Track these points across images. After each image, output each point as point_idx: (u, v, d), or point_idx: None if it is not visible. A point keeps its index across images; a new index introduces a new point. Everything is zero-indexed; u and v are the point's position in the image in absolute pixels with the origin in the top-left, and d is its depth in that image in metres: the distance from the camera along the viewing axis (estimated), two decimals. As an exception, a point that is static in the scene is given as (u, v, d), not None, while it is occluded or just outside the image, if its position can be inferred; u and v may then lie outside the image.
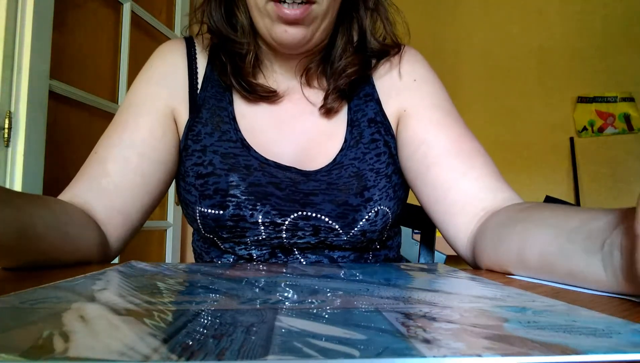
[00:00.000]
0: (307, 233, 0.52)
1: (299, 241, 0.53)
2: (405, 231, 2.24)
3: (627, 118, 2.38)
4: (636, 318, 0.22)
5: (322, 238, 0.52)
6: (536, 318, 0.21)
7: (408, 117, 0.57)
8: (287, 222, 0.52)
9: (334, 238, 0.52)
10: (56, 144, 1.15)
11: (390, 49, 0.59)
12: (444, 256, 2.05)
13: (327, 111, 0.57)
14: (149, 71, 0.59)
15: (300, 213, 0.52)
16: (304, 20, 0.50)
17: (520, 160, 2.44)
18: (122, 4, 1.43)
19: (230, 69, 0.56)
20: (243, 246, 0.54)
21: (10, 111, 1.02)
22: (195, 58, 0.60)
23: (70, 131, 1.23)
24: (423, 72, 0.60)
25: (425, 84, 0.59)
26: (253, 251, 0.54)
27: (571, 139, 2.41)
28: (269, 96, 0.58)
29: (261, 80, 0.60)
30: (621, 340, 0.17)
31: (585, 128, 2.42)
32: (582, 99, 2.43)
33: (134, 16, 1.48)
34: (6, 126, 1.01)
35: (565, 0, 2.47)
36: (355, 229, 0.52)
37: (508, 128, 2.46)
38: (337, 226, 0.52)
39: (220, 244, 0.55)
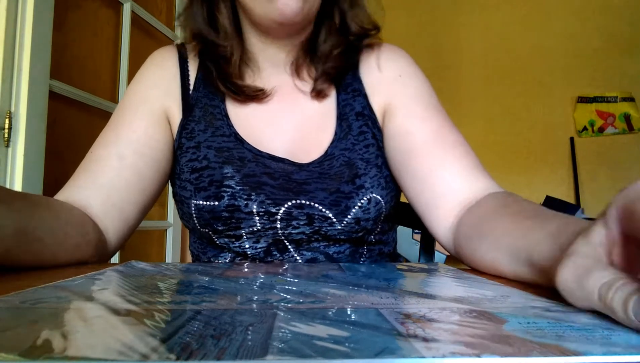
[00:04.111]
0: (302, 223, 0.53)
1: (293, 231, 0.53)
2: (405, 231, 2.24)
3: (627, 118, 2.38)
4: (636, 318, 0.22)
5: (317, 228, 0.53)
6: (536, 319, 0.21)
7: (393, 110, 0.58)
8: (281, 211, 0.52)
9: (329, 228, 0.53)
10: (56, 144, 1.15)
11: (369, 32, 0.60)
12: (444, 256, 2.05)
13: (317, 93, 0.59)
14: (143, 75, 0.61)
15: (294, 201, 0.52)
16: None
17: (520, 160, 2.44)
18: (122, 4, 1.43)
19: (216, 73, 0.58)
20: (238, 243, 0.54)
21: (10, 111, 1.02)
22: (187, 62, 0.62)
23: (70, 131, 1.23)
24: (408, 68, 0.62)
25: (409, 79, 0.60)
26: (248, 250, 0.54)
27: (571, 139, 2.42)
28: (258, 95, 0.59)
29: (249, 80, 0.61)
30: (621, 340, 0.17)
31: (585, 128, 2.42)
32: (582, 99, 2.43)
33: (134, 16, 1.48)
34: (6, 126, 1.01)
35: (566, 0, 2.48)
36: (349, 217, 0.53)
37: (508, 128, 2.46)
38: (330, 214, 0.52)
39: (215, 239, 0.55)
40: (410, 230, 2.11)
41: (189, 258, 0.65)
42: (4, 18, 1.00)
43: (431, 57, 2.53)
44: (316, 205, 0.52)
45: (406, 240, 2.10)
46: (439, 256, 2.03)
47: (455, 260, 0.60)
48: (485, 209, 0.46)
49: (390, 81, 0.60)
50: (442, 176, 0.52)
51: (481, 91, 2.51)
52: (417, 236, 2.10)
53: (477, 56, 2.53)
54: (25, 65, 1.03)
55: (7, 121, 1.01)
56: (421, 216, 0.55)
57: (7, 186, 1.02)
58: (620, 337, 0.18)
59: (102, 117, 1.33)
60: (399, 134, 0.57)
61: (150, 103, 0.58)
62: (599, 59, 2.40)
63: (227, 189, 0.52)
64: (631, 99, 2.38)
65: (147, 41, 1.59)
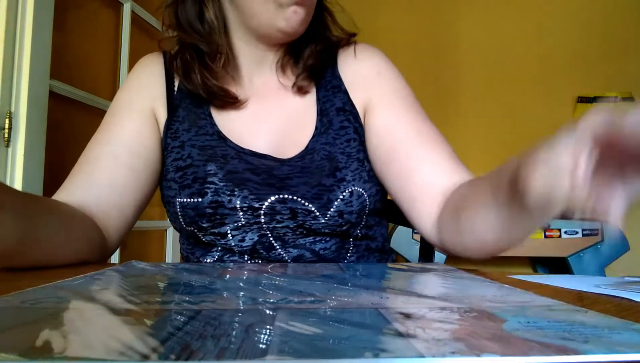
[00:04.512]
0: (285, 217, 0.53)
1: (277, 225, 0.53)
2: (405, 231, 2.24)
3: (627, 118, 2.38)
4: (636, 318, 0.22)
5: (301, 222, 0.53)
6: (535, 319, 0.21)
7: (373, 107, 0.60)
8: (264, 206, 0.53)
9: (312, 221, 0.53)
10: (56, 144, 1.15)
11: (342, 40, 0.64)
12: (444, 256, 2.05)
13: (299, 89, 0.61)
14: (131, 79, 0.63)
15: (277, 196, 0.53)
16: (308, 1, 0.54)
17: (520, 160, 2.43)
18: (122, 4, 1.43)
19: (199, 72, 0.57)
20: (223, 241, 0.54)
21: (10, 111, 1.02)
22: (170, 68, 0.63)
23: (70, 131, 1.23)
24: (385, 66, 0.63)
25: (388, 75, 0.62)
26: (234, 248, 0.54)
27: (571, 139, 2.41)
28: (234, 102, 0.59)
29: (231, 83, 0.61)
30: (621, 340, 0.17)
31: (585, 128, 2.41)
32: (582, 99, 2.43)
33: (134, 16, 1.48)
34: (6, 126, 1.01)
35: (566, 0, 2.47)
36: (332, 210, 0.53)
37: (508, 128, 2.46)
38: (313, 208, 0.53)
39: (201, 237, 0.55)
40: (411, 230, 2.11)
41: (189, 259, 0.65)
42: (4, 18, 1.00)
43: (431, 57, 2.53)
44: (299, 199, 0.53)
45: (406, 240, 2.10)
46: (439, 256, 2.03)
47: (456, 260, 0.60)
48: (458, 195, 0.50)
49: (370, 79, 0.62)
50: (424, 171, 0.54)
51: (481, 91, 2.50)
52: (417, 236, 2.10)
53: (477, 56, 2.53)
54: (25, 65, 1.03)
55: (7, 121, 1.01)
56: (404, 211, 0.57)
57: (7, 186, 1.01)
58: (620, 336, 0.18)
59: (102, 117, 1.32)
60: (379, 132, 0.58)
61: (139, 104, 0.60)
62: (599, 59, 2.40)
63: (211, 186, 0.53)
64: (631, 99, 2.38)
65: (147, 41, 1.58)
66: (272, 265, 0.45)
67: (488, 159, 2.50)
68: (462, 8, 2.57)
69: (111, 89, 1.41)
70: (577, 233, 2.00)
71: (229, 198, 0.53)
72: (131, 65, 1.43)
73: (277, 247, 0.54)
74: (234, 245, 0.54)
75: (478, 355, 0.15)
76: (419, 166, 0.54)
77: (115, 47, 1.43)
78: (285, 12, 0.53)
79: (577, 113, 2.43)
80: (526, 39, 2.49)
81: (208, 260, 0.57)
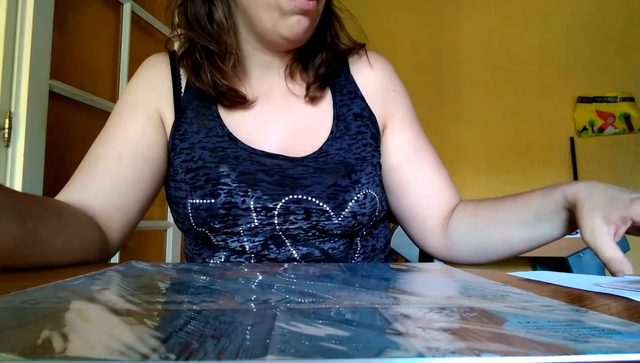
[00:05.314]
0: (299, 217, 0.53)
1: (291, 226, 0.53)
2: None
3: (627, 118, 2.38)
4: (636, 319, 0.22)
5: (314, 222, 0.53)
6: (536, 319, 0.21)
7: (392, 126, 0.63)
8: (278, 206, 0.53)
9: (326, 222, 0.53)
10: (56, 144, 1.15)
11: (352, 48, 0.65)
12: (444, 256, 2.05)
13: (311, 99, 0.61)
14: (136, 80, 0.62)
15: (291, 196, 0.53)
16: (313, 12, 0.54)
17: (520, 160, 2.43)
18: (122, 4, 1.43)
19: (209, 71, 0.57)
20: (235, 238, 0.54)
21: (10, 111, 1.02)
22: (178, 67, 0.63)
23: (70, 131, 1.23)
24: (398, 83, 0.66)
25: (402, 96, 0.65)
26: (246, 243, 0.54)
27: (571, 139, 2.41)
28: (244, 102, 0.59)
29: (238, 84, 0.61)
30: (621, 340, 0.17)
31: (585, 128, 2.41)
32: (582, 99, 2.43)
33: (134, 16, 1.48)
34: (6, 126, 1.01)
35: (566, 0, 2.47)
36: (346, 211, 0.54)
37: (508, 128, 2.46)
38: (328, 208, 0.53)
39: (212, 238, 0.55)
40: (410, 230, 2.10)
41: (189, 258, 0.65)
42: (4, 18, 1.00)
43: (431, 57, 2.53)
44: (313, 199, 0.53)
45: (406, 240, 2.10)
46: (439, 256, 2.03)
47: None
48: (470, 209, 0.58)
49: (387, 95, 0.63)
50: (428, 190, 0.61)
51: (481, 91, 2.50)
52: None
53: (477, 56, 2.53)
54: (25, 65, 1.03)
55: (7, 121, 1.01)
56: (409, 227, 0.63)
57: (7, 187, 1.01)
58: (620, 336, 0.18)
59: (102, 117, 1.33)
60: (388, 151, 0.62)
61: (144, 105, 0.59)
62: (599, 59, 2.40)
63: (224, 187, 0.53)
64: (631, 99, 2.38)
65: (147, 41, 1.59)
66: (273, 265, 0.45)
67: (488, 158, 2.50)
68: (463, 8, 2.57)
69: (111, 89, 1.41)
70: (577, 233, 2.00)
71: (242, 198, 0.52)
72: (131, 65, 1.44)
73: (288, 244, 0.54)
74: (247, 241, 0.54)
75: (478, 355, 0.15)
76: (423, 186, 0.61)
77: (115, 47, 1.43)
78: (289, 21, 0.53)
79: (577, 113, 2.43)
80: (526, 39, 2.49)
81: (215, 261, 0.57)
